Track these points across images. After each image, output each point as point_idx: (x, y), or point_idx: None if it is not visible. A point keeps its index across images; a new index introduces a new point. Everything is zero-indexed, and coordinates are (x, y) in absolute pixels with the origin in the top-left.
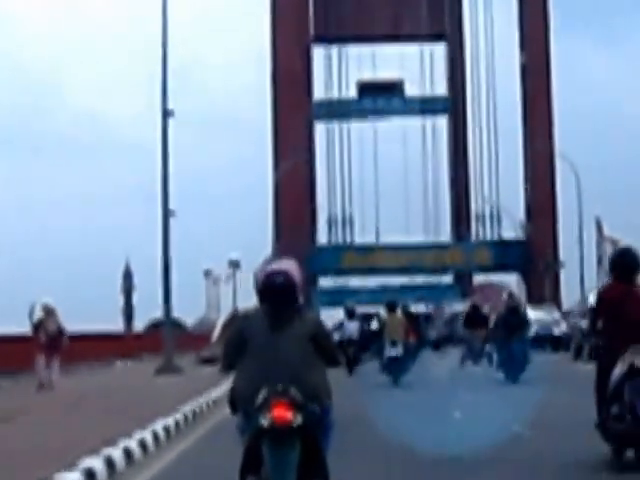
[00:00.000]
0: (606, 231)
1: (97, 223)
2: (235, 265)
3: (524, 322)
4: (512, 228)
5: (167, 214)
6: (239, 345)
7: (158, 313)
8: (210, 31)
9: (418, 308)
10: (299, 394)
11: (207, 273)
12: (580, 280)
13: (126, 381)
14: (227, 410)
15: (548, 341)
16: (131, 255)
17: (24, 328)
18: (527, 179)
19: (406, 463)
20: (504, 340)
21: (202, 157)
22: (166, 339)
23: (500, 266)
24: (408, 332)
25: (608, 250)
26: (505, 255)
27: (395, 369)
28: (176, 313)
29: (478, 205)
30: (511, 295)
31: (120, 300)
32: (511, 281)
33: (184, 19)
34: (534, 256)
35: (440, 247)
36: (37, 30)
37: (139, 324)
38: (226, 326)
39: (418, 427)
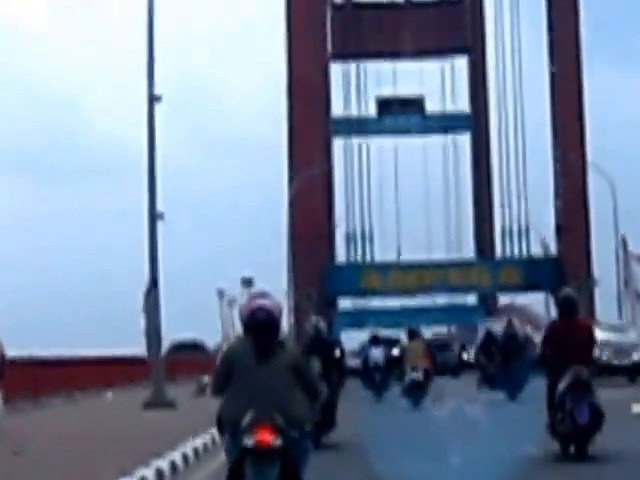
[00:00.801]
0: (632, 249)
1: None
2: (248, 283)
3: (523, 347)
4: (539, 245)
5: (154, 217)
6: (227, 372)
7: (180, 334)
8: (227, 52)
9: (440, 330)
10: (281, 420)
11: (220, 293)
12: (617, 299)
13: (105, 416)
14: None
15: (626, 370)
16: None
17: None
18: (557, 194)
19: None
20: (504, 364)
21: (219, 178)
22: (156, 365)
23: (530, 285)
24: (427, 358)
25: (636, 269)
26: (535, 273)
27: (415, 393)
28: (198, 334)
29: (505, 222)
30: (509, 322)
31: (141, 321)
32: (539, 301)
33: (201, 41)
34: (566, 274)
35: (465, 265)
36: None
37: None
38: None
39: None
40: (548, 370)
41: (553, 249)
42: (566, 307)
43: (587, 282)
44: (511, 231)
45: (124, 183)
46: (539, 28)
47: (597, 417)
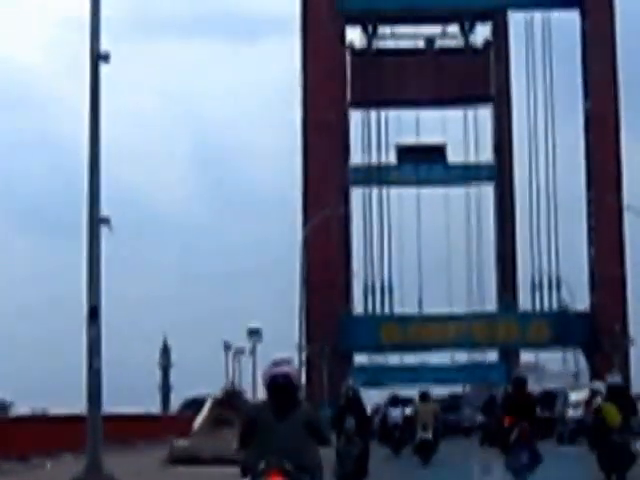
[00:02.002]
0: None
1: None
2: (255, 333)
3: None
4: (571, 299)
5: (95, 224)
6: (251, 429)
7: (195, 391)
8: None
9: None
10: (291, 466)
11: (227, 346)
12: None
13: None
14: None
15: None
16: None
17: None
18: (591, 243)
19: None
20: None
21: (237, 232)
22: (90, 425)
23: (560, 341)
24: (436, 419)
25: None
26: (566, 329)
27: (425, 451)
28: (205, 390)
29: (535, 274)
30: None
31: (157, 376)
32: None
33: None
34: (600, 330)
35: (490, 318)
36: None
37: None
38: (215, 406)
39: None
40: (503, 428)
41: (584, 305)
42: (517, 384)
43: (622, 338)
44: (541, 284)
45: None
46: (572, 71)
47: (534, 458)
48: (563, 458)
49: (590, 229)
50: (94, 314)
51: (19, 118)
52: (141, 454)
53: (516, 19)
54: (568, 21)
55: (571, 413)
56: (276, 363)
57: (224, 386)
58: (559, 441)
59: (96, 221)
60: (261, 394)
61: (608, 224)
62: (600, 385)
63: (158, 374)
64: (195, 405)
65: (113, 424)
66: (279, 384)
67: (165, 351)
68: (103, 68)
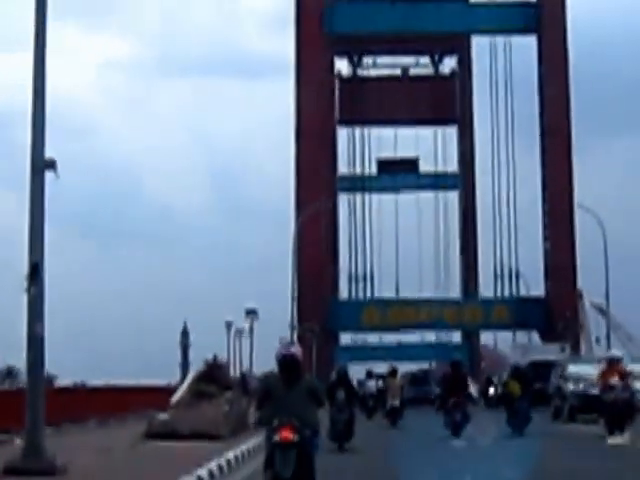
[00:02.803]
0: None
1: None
2: (252, 313)
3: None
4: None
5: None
6: (265, 395)
7: None
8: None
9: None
10: (297, 423)
11: (228, 325)
12: (607, 339)
13: None
14: None
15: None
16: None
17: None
18: (546, 238)
19: None
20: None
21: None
22: (28, 402)
23: (518, 324)
24: (402, 391)
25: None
26: (524, 313)
27: (394, 416)
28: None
29: (496, 266)
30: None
31: (178, 355)
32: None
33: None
34: (553, 315)
35: (457, 303)
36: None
37: None
38: (200, 378)
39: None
40: (442, 398)
41: (539, 292)
42: (453, 366)
43: (574, 323)
44: (502, 274)
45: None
46: (530, 90)
47: (464, 418)
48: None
49: (545, 226)
50: (35, 272)
51: None
52: (130, 427)
53: (480, 44)
54: (526, 45)
55: (572, 387)
56: (285, 345)
57: (206, 360)
58: (555, 417)
59: (39, 166)
60: (258, 367)
61: (560, 222)
62: (617, 353)
63: (179, 353)
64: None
65: (120, 395)
66: (288, 361)
67: (184, 333)
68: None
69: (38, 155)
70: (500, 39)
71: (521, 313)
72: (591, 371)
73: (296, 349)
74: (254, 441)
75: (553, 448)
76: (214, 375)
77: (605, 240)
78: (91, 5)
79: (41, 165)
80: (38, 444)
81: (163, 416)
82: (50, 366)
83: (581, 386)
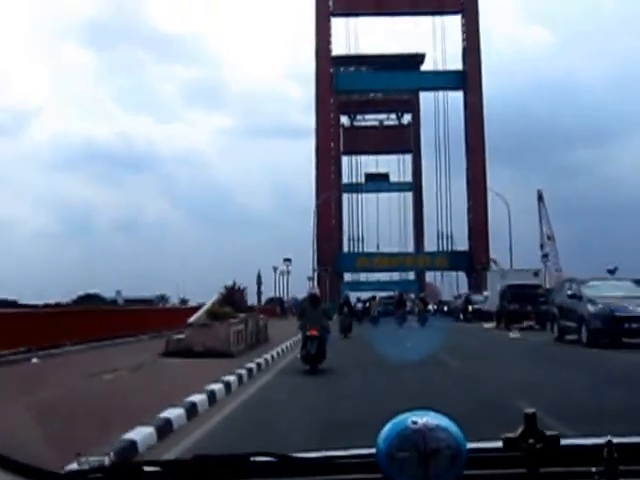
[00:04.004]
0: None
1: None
2: (288, 260)
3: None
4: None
5: None
6: (303, 311)
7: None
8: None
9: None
10: (319, 327)
11: (275, 269)
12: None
13: None
14: None
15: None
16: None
17: None
18: (470, 211)
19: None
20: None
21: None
22: None
23: (453, 268)
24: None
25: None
26: (456, 261)
27: (375, 322)
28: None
29: (439, 231)
30: (400, 294)
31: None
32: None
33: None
34: (474, 262)
35: (413, 254)
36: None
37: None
38: (220, 301)
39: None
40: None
41: (465, 247)
42: (400, 294)
43: (486, 267)
44: (443, 236)
45: None
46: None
47: (404, 318)
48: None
49: (468, 208)
50: None
51: None
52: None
53: (428, 98)
54: (457, 97)
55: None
56: (312, 288)
57: (226, 285)
58: (560, 338)
59: None
60: (292, 296)
61: (478, 203)
62: None
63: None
64: (272, 301)
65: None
66: (313, 296)
67: (259, 277)
68: None
69: None
70: (440, 94)
71: (453, 261)
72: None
73: (317, 290)
74: (264, 357)
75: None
76: (233, 298)
77: (509, 214)
78: (213, 96)
79: None
80: None
81: (179, 335)
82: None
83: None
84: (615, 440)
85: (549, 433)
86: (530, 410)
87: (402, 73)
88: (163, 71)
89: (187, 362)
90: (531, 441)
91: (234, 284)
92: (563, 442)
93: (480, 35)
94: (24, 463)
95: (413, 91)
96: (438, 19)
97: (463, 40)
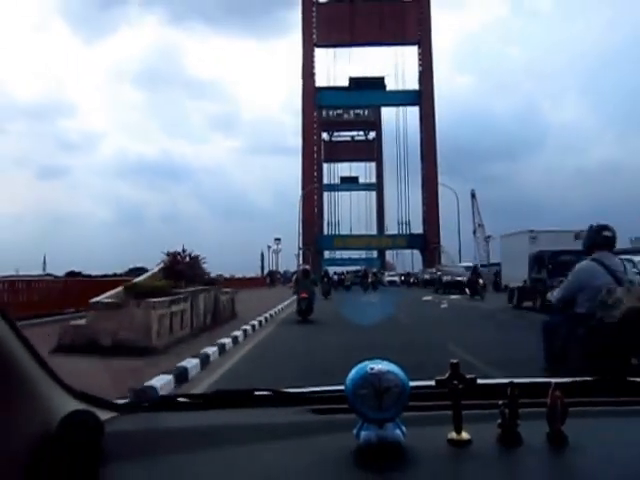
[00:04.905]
0: None
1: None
2: (278, 240)
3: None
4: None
5: None
6: (297, 281)
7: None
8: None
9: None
10: (309, 290)
11: (269, 247)
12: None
13: None
14: None
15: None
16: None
17: None
18: (424, 204)
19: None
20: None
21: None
22: None
23: (410, 247)
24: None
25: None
26: (413, 241)
27: (348, 289)
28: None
29: (399, 218)
30: (365, 269)
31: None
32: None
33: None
34: (427, 242)
35: (379, 237)
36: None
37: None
38: (162, 272)
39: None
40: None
41: (420, 230)
42: (365, 269)
43: (437, 247)
44: (402, 223)
45: None
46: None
47: (372, 286)
48: None
49: (424, 201)
50: None
51: None
52: None
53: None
54: (415, 112)
55: None
56: (304, 265)
57: (168, 252)
58: None
59: None
60: (282, 267)
61: (430, 195)
62: None
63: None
64: (271, 273)
65: None
66: (305, 270)
67: (262, 255)
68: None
69: None
70: (401, 108)
71: (411, 241)
72: None
73: (308, 266)
74: (209, 350)
75: None
76: (178, 269)
77: (458, 203)
78: (229, 124)
79: None
80: None
81: (79, 322)
82: None
83: None
84: (516, 380)
85: (468, 376)
86: (455, 360)
87: (370, 92)
88: (194, 106)
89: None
90: (455, 382)
91: (183, 250)
92: (479, 382)
93: (433, 61)
94: (86, 392)
95: (379, 106)
96: (399, 49)
97: (419, 65)
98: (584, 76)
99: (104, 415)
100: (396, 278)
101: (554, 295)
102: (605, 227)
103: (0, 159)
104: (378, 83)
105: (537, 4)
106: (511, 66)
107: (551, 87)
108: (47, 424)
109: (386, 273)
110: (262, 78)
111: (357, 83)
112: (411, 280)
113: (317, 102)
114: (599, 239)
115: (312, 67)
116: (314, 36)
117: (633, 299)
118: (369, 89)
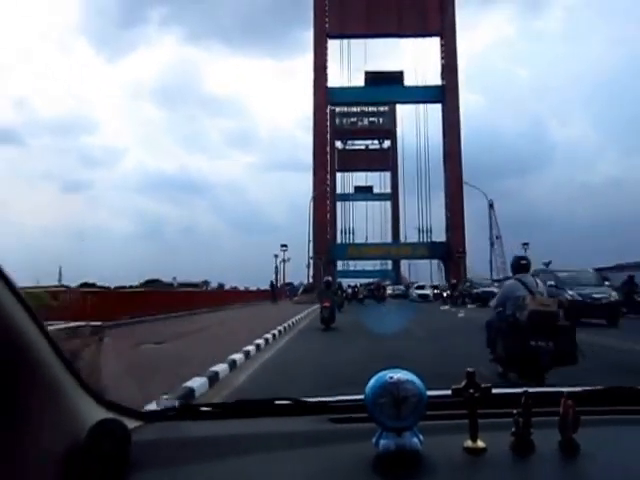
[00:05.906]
0: None
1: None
2: (285, 246)
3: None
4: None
5: None
6: (321, 292)
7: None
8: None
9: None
10: (332, 300)
11: (276, 255)
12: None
13: None
14: None
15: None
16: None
17: None
18: (447, 209)
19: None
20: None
21: (294, 217)
22: None
23: (432, 257)
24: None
25: None
26: (435, 250)
27: (362, 302)
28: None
29: (420, 225)
30: (378, 282)
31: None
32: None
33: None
34: (450, 252)
35: (397, 246)
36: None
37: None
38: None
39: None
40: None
41: (442, 239)
42: (378, 282)
43: (463, 257)
44: (423, 230)
45: None
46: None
47: (383, 298)
48: None
49: (447, 206)
50: None
51: None
52: None
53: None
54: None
55: None
56: (326, 277)
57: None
58: None
59: None
60: (292, 279)
61: (455, 200)
62: None
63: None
64: (288, 285)
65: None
66: (327, 282)
67: (276, 268)
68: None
69: None
70: (421, 108)
71: (432, 250)
72: None
73: (330, 278)
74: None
75: None
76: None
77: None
78: (245, 141)
79: None
80: None
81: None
82: None
83: None
84: (530, 390)
85: (484, 385)
86: (471, 369)
87: (388, 87)
88: (212, 123)
89: None
90: (471, 391)
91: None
92: (494, 391)
93: (457, 54)
94: (112, 401)
95: (396, 102)
96: (419, 41)
97: (442, 58)
98: (595, 97)
99: (130, 424)
100: (429, 291)
101: (492, 302)
102: (523, 257)
103: (26, 173)
104: (396, 77)
105: (543, 27)
106: (519, 85)
107: (557, 105)
108: (76, 434)
109: (414, 285)
110: (278, 96)
111: (373, 78)
112: (455, 294)
113: (330, 99)
114: (518, 266)
115: (325, 60)
116: (326, 25)
117: (536, 304)
118: (386, 84)
